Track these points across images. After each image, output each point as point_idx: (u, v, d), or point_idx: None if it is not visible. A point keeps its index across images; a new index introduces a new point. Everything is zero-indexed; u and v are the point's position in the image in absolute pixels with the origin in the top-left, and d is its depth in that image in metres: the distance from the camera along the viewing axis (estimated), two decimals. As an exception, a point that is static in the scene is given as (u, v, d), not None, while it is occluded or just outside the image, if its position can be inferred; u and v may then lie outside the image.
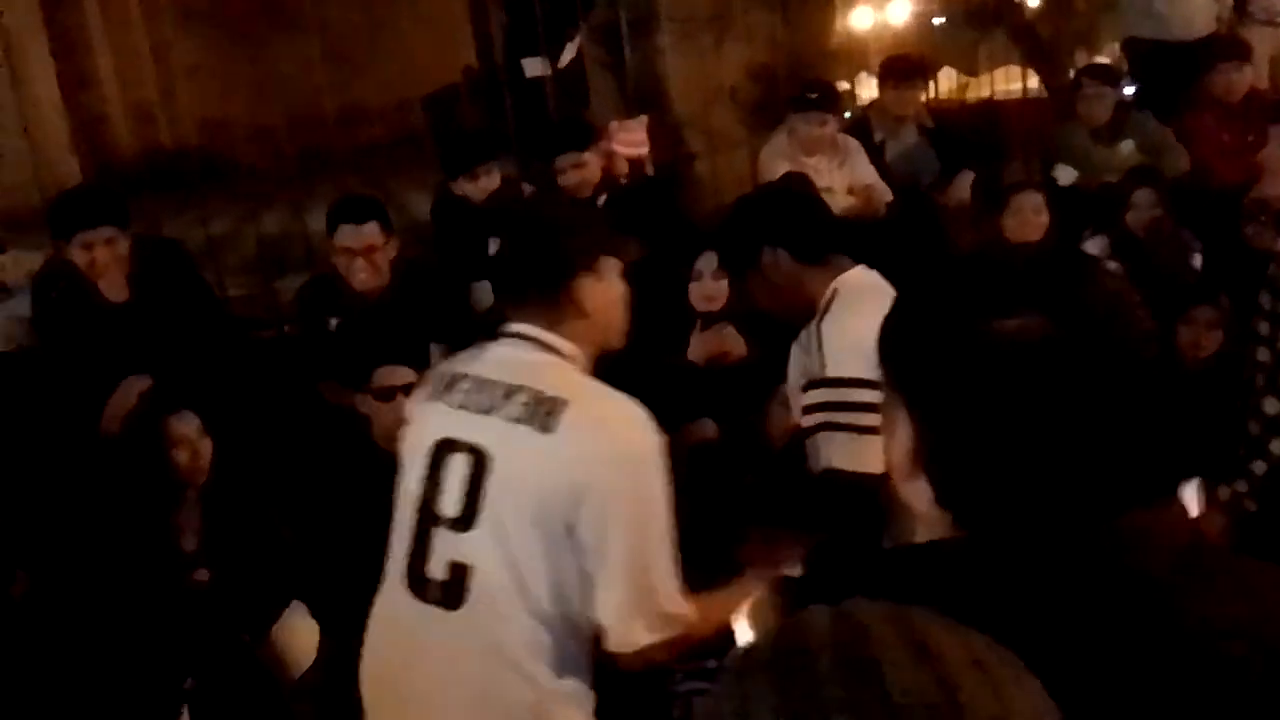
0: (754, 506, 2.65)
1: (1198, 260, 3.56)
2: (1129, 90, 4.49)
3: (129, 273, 2.99)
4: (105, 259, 2.91)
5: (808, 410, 1.78)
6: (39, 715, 2.18)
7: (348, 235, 3.01)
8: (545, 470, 1.50)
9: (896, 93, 4.10)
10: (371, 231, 3.02)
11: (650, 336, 3.07)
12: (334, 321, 3.10)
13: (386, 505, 1.81)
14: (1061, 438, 0.77)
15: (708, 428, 3.01)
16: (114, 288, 2.99)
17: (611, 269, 1.67)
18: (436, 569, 1.57)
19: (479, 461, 1.54)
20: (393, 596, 1.63)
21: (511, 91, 4.39)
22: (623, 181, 3.63)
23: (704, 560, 2.44)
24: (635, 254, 1.74)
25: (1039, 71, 5.36)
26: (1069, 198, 3.64)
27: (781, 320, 1.97)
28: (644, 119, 4.07)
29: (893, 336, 0.86)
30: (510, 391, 1.56)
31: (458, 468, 1.55)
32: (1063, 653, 0.72)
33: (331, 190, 4.01)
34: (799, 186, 2.14)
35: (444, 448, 1.58)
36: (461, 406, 1.59)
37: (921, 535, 1.54)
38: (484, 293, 3.30)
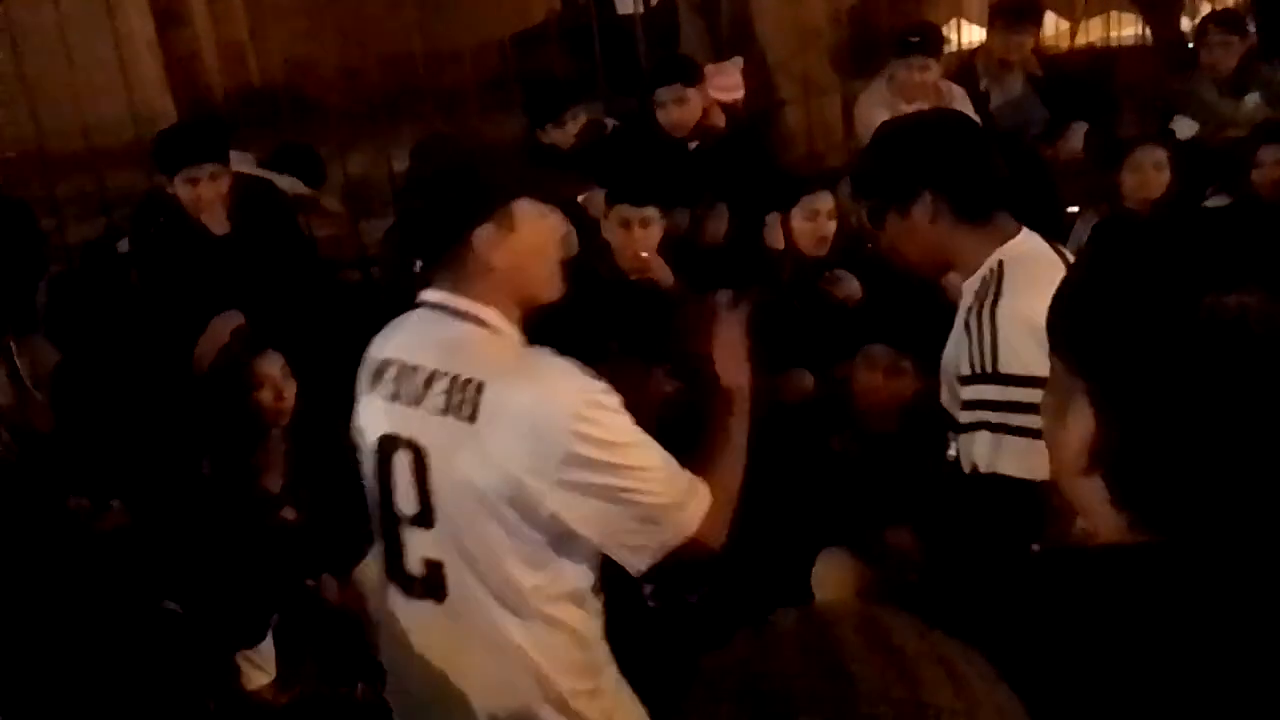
0: (842, 475, 2.55)
1: (1329, 223, 3.32)
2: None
3: (229, 208, 3.02)
4: (209, 194, 2.95)
5: (968, 406, 1.55)
6: (125, 646, 2.23)
7: None
8: (477, 464, 1.38)
9: (1006, 35, 3.89)
10: None
11: (744, 281, 3.01)
12: (420, 264, 3.08)
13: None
14: None
15: (805, 381, 2.93)
16: (216, 223, 3.02)
17: (525, 215, 1.47)
18: (414, 566, 1.50)
19: (419, 458, 1.44)
20: (389, 593, 1.58)
21: (601, 30, 4.30)
22: (717, 131, 3.51)
23: (790, 528, 2.39)
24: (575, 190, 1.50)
25: (1147, 17, 5.07)
26: (1189, 153, 3.42)
27: (907, 275, 1.72)
28: (739, 60, 3.94)
29: (1073, 314, 0.75)
30: (430, 379, 1.43)
31: (402, 465, 1.46)
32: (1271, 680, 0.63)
33: (417, 131, 3.98)
34: (959, 122, 1.75)
35: (386, 444, 1.49)
36: (393, 398, 1.48)
37: (1078, 537, 1.40)
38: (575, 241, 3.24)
